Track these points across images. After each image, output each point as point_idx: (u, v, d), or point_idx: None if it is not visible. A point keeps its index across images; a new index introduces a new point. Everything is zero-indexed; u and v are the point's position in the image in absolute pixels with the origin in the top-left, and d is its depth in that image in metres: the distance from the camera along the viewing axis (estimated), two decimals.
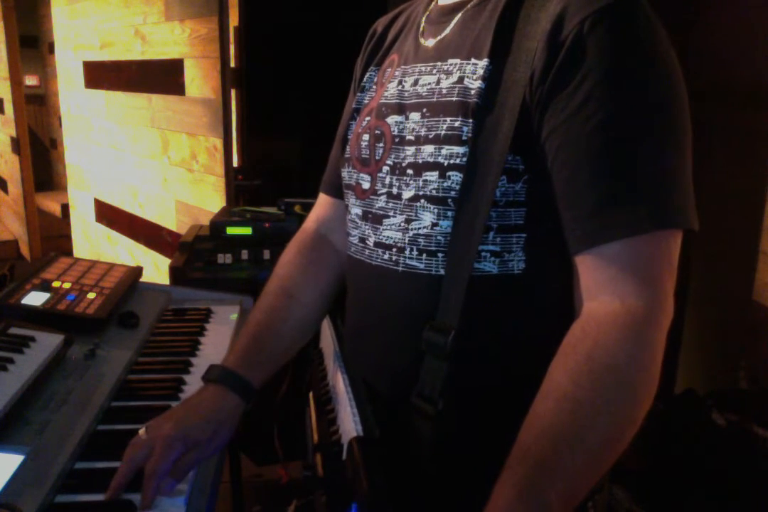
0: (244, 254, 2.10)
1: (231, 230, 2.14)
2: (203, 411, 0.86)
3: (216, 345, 1.28)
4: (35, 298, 1.25)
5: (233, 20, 2.85)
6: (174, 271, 2.01)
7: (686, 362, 2.02)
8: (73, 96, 3.81)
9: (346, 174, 0.94)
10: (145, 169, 3.17)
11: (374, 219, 0.86)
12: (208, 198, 2.76)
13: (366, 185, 0.89)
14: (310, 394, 1.06)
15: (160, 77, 2.93)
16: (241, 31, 2.93)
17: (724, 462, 1.52)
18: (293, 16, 2.82)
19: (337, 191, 1.01)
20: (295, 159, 3.03)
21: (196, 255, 2.09)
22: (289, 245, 1.08)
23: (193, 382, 1.11)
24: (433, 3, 0.91)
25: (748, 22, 1.94)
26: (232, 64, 2.72)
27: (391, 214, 0.84)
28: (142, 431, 0.84)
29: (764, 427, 1.48)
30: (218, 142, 2.63)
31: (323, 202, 1.08)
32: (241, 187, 2.82)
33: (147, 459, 0.80)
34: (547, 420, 0.65)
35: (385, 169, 0.85)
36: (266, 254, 2.11)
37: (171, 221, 3.06)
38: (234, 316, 1.44)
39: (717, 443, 1.55)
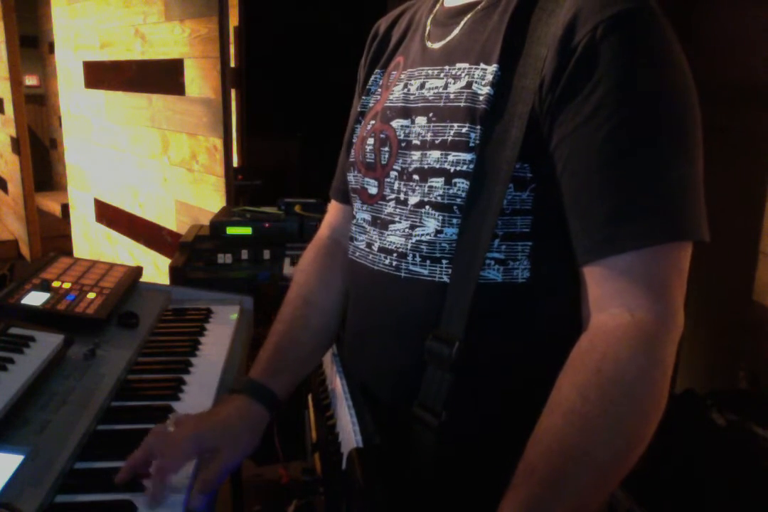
0: (244, 254, 2.10)
1: (231, 230, 2.14)
2: (223, 419, 0.86)
3: (216, 345, 1.28)
4: (35, 298, 1.24)
5: (233, 20, 2.85)
6: (174, 271, 2.02)
7: (686, 362, 2.02)
8: (73, 96, 3.81)
9: (352, 178, 0.93)
10: (145, 169, 3.18)
11: (382, 224, 0.85)
12: (208, 198, 2.76)
13: (373, 190, 0.87)
14: (309, 396, 1.06)
15: (160, 77, 2.94)
16: (241, 31, 2.93)
17: (724, 462, 1.51)
18: (293, 16, 2.82)
19: (346, 197, 1.00)
20: (295, 159, 3.03)
21: (196, 255, 2.09)
22: (305, 251, 1.08)
23: (193, 382, 1.11)
24: (438, 4, 0.89)
25: (747, 20, 1.94)
26: (232, 64, 2.72)
27: (396, 219, 0.83)
28: (169, 421, 0.85)
29: (764, 427, 1.48)
30: (218, 142, 2.63)
31: (334, 208, 1.08)
32: (241, 187, 2.82)
33: (161, 450, 0.81)
34: (555, 435, 0.64)
35: (393, 174, 0.84)
36: (266, 254, 2.11)
37: (171, 221, 3.06)
38: (234, 316, 1.44)
39: (717, 443, 1.55)
